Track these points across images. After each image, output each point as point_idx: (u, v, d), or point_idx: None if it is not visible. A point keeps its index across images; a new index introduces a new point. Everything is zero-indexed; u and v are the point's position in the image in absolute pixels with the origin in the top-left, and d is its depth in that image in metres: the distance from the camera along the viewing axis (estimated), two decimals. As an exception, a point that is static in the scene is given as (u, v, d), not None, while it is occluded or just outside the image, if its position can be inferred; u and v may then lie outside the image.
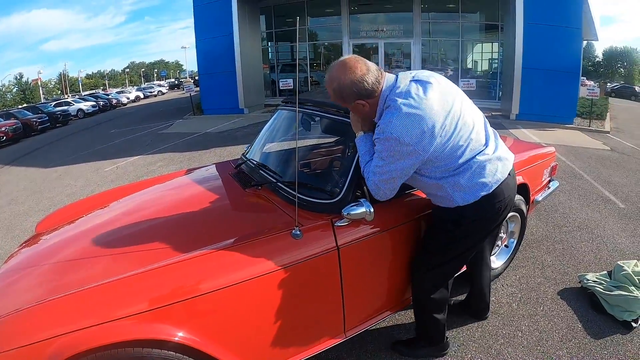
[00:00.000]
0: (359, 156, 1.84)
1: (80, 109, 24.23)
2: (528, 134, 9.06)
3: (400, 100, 1.56)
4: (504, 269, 3.02)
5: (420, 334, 2.19)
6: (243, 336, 1.66)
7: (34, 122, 17.89)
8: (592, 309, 2.59)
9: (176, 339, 1.47)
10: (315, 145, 3.07)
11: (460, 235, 1.87)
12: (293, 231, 1.72)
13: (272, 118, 2.81)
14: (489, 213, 1.81)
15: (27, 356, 1.35)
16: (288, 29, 16.76)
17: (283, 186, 2.08)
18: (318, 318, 1.87)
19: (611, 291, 2.60)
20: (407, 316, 2.56)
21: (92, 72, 78.79)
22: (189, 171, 3.03)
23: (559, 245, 3.52)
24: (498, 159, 1.77)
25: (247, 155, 2.69)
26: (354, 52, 15.34)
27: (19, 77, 52.91)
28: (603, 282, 2.74)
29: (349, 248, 1.83)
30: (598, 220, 4.11)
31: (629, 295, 2.51)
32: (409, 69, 14.10)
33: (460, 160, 1.68)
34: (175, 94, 34.69)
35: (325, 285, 1.83)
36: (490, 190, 1.74)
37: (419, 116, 1.54)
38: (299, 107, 2.42)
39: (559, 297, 2.76)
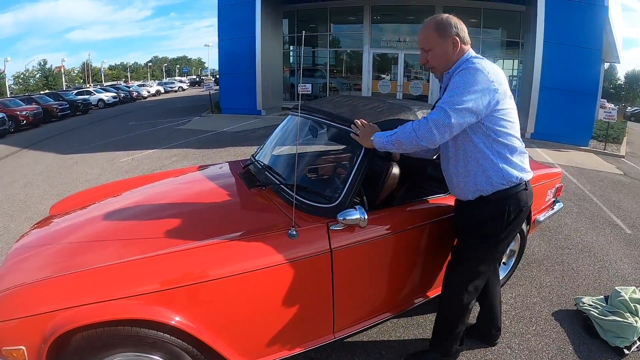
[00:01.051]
0: (357, 164, 1.96)
1: (100, 99, 24.62)
2: (541, 154, 8.99)
3: (484, 59, 1.82)
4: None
5: (435, 343, 2.20)
6: (235, 326, 1.74)
7: (55, 109, 18.23)
8: (585, 333, 2.60)
9: (172, 322, 1.56)
10: (321, 151, 3.15)
11: (503, 231, 1.93)
12: (289, 231, 1.81)
13: (283, 122, 2.91)
14: (527, 204, 1.95)
15: (28, 327, 1.47)
16: (310, 34, 16.93)
17: (285, 188, 2.17)
18: (308, 316, 1.93)
19: (606, 316, 2.60)
20: (394, 325, 2.60)
21: (115, 64, 79.54)
22: (201, 167, 3.14)
23: (559, 266, 3.52)
24: (529, 158, 2.04)
25: (256, 157, 2.79)
26: (375, 60, 15.42)
27: (42, 64, 53.33)
28: (599, 306, 2.74)
29: (342, 252, 1.90)
30: (602, 244, 4.09)
31: (623, 322, 2.50)
32: (428, 81, 14.12)
33: (511, 130, 1.85)
34: (196, 91, 35.17)
35: (316, 285, 1.90)
36: (529, 178, 1.95)
37: (496, 69, 1.79)
38: (310, 115, 2.52)
39: (552, 317, 2.77)
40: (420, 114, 2.19)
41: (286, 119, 2.89)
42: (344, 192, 1.95)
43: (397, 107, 2.29)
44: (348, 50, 17.05)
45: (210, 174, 2.91)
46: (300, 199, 2.00)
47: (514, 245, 3.01)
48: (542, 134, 11.01)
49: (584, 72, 10.69)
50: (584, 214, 5.11)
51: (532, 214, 3.02)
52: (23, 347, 1.49)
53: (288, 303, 1.84)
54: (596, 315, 2.63)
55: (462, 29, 1.83)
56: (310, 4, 15.62)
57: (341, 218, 1.86)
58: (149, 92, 33.07)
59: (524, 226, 2.89)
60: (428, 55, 1.88)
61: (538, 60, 10.74)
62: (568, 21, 10.44)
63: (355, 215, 1.85)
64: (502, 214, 1.89)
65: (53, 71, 52.25)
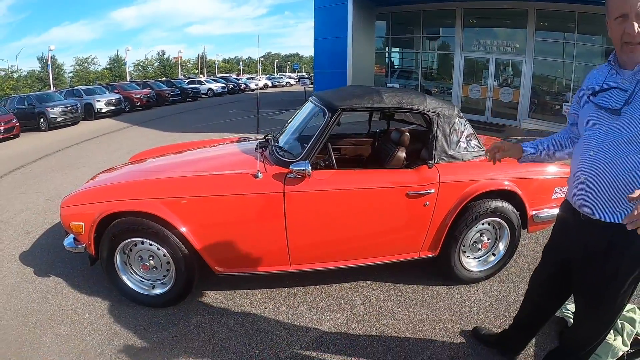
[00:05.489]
0: (318, 131, 2.62)
1: (210, 89, 26.99)
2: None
3: None
4: (484, 277, 3.06)
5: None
6: (215, 238, 2.51)
7: (167, 94, 20.67)
8: (557, 340, 2.46)
9: (181, 229, 2.44)
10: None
11: None
12: (256, 173, 2.46)
13: (303, 106, 3.49)
14: None
15: (87, 210, 2.48)
16: (405, 36, 17.03)
17: (273, 149, 2.83)
18: (266, 244, 2.57)
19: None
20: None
21: (229, 57, 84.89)
22: (241, 139, 4.02)
23: (567, 272, 3.37)
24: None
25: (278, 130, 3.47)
26: (465, 64, 14.97)
27: (161, 54, 58.89)
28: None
29: (293, 195, 2.46)
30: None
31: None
32: (517, 87, 13.33)
33: None
34: (302, 87, 36.59)
35: (273, 219, 2.50)
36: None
37: None
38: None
39: (527, 318, 2.64)
40: (385, 95, 2.72)
41: (306, 104, 3.47)
42: (304, 151, 2.52)
43: (369, 90, 2.86)
44: (440, 53, 16.76)
45: (243, 142, 3.76)
46: (278, 155, 2.64)
47: (505, 235, 3.01)
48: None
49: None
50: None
51: (529, 208, 2.95)
52: (82, 223, 2.44)
53: (251, 228, 2.50)
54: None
55: None
56: (402, 7, 15.71)
57: (291, 167, 2.43)
58: (256, 85, 34.99)
59: (512, 216, 2.88)
60: None
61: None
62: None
63: (301, 167, 2.39)
64: None
65: (170, 61, 57.11)
